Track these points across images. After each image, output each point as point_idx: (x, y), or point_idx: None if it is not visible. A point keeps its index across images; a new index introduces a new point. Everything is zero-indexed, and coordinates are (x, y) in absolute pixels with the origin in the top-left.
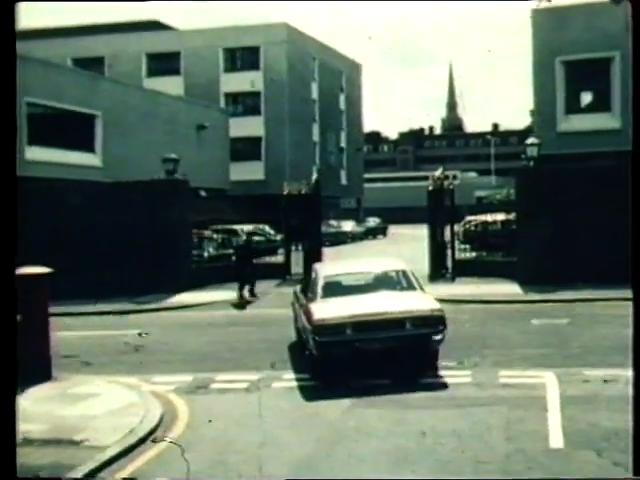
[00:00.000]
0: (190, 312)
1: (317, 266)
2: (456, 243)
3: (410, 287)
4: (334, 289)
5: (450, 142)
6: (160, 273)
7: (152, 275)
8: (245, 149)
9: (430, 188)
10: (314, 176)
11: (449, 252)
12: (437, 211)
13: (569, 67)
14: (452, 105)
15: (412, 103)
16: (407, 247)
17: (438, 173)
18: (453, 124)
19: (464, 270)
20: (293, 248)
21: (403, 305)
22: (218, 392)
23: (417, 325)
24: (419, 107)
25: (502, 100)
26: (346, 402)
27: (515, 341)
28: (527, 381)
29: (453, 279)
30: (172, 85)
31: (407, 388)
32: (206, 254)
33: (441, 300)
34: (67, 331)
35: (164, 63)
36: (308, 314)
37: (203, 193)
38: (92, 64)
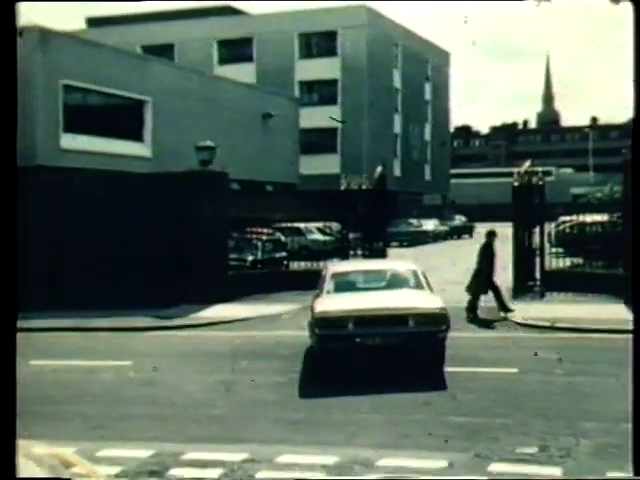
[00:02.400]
0: (212, 332)
1: (328, 264)
2: (547, 248)
3: (418, 286)
4: (341, 286)
5: (545, 137)
6: (189, 280)
7: (180, 282)
8: (320, 141)
9: (515, 184)
10: (379, 169)
11: (538, 259)
12: (524, 210)
13: None
14: (548, 98)
15: (506, 96)
16: None
17: (525, 167)
18: (549, 118)
19: (556, 282)
20: (352, 252)
21: (406, 302)
22: None
23: (420, 322)
24: (513, 101)
25: (602, 93)
26: None
27: (628, 405)
28: None
29: (542, 295)
30: (244, 73)
31: None
32: (250, 258)
33: (525, 325)
34: (44, 359)
35: (236, 50)
36: (312, 308)
37: (269, 188)
38: (162, 51)
